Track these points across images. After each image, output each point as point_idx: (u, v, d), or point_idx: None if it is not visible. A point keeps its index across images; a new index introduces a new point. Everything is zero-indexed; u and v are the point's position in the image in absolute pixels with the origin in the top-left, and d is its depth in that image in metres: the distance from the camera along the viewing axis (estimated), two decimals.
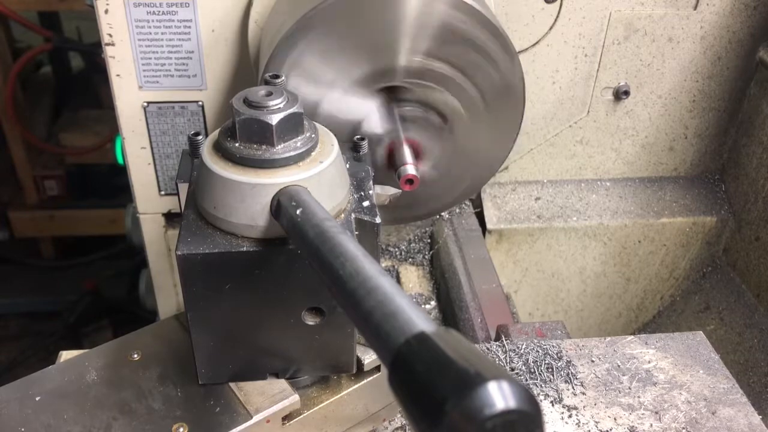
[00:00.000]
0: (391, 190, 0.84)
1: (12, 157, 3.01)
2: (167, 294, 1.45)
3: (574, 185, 1.50)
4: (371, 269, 0.49)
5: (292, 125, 0.65)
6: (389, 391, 0.41)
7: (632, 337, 0.98)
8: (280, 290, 0.67)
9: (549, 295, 1.56)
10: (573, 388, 0.90)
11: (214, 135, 0.68)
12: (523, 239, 1.46)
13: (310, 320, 0.70)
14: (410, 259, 1.42)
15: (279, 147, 0.64)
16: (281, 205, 0.61)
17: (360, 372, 0.77)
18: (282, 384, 0.73)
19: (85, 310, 2.96)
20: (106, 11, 1.11)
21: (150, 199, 1.33)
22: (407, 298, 0.46)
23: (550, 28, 1.29)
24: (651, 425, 0.85)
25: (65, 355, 0.85)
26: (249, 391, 0.72)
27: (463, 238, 1.35)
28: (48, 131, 3.17)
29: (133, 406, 0.70)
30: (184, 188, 0.73)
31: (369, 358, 0.76)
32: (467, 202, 1.46)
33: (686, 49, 1.36)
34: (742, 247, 1.47)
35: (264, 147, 0.64)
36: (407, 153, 0.99)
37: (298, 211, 0.58)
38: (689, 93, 1.42)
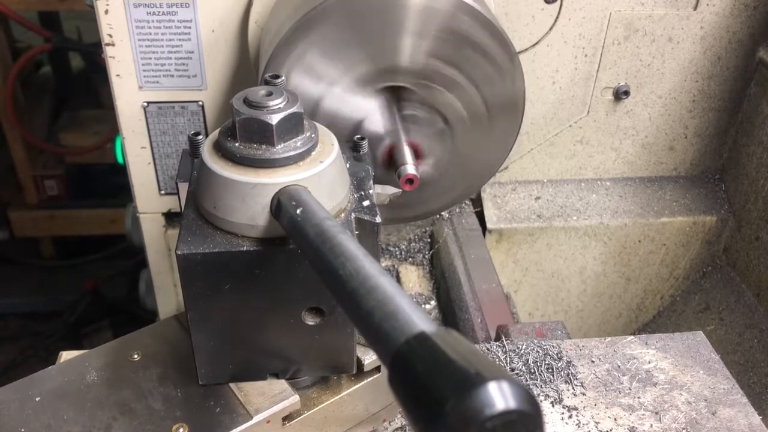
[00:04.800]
0: (391, 190, 0.84)
1: (12, 157, 3.01)
2: (167, 294, 1.45)
3: (574, 185, 1.50)
4: (371, 269, 0.49)
5: (292, 125, 0.65)
6: (389, 391, 0.41)
7: (632, 337, 0.98)
8: (280, 290, 0.67)
9: (549, 295, 1.56)
10: (573, 388, 0.90)
11: (214, 135, 0.68)
12: (523, 239, 1.46)
13: (310, 320, 0.70)
14: (410, 259, 1.42)
15: (279, 147, 0.64)
16: (281, 205, 0.61)
17: (360, 372, 0.77)
18: (282, 384, 0.73)
19: (85, 310, 2.96)
20: (106, 11, 1.11)
21: (150, 199, 1.33)
22: (407, 297, 0.46)
23: (550, 28, 1.29)
24: (651, 425, 0.85)
25: (65, 355, 0.85)
26: (249, 391, 0.72)
27: (463, 237, 1.35)
28: (48, 131, 3.17)
29: (133, 406, 0.70)
30: (184, 188, 0.73)
31: (369, 358, 0.76)
32: (467, 202, 1.46)
33: (686, 49, 1.36)
34: (742, 247, 1.47)
35: (264, 147, 0.64)
36: (407, 153, 0.99)
37: (298, 211, 0.58)
38: (689, 93, 1.42)
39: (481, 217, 1.44)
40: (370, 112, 1.00)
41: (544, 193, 1.49)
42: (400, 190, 0.92)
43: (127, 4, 1.11)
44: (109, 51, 1.15)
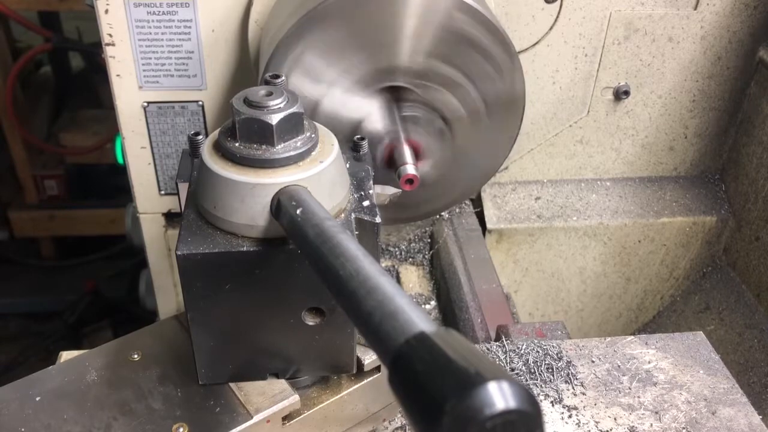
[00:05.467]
0: (391, 190, 0.84)
1: (12, 157, 3.01)
2: (167, 294, 1.45)
3: (574, 185, 1.50)
4: (371, 269, 0.49)
5: (292, 125, 0.65)
6: (389, 391, 0.41)
7: (632, 337, 0.98)
8: (280, 290, 0.67)
9: (549, 295, 1.56)
10: (573, 388, 0.90)
11: (214, 135, 0.68)
12: (523, 239, 1.46)
13: (310, 320, 0.70)
14: (410, 259, 1.42)
15: (279, 147, 0.64)
16: (281, 205, 0.61)
17: (360, 372, 0.77)
18: (282, 384, 0.73)
19: (85, 310, 2.96)
20: (106, 11, 1.11)
21: (150, 199, 1.33)
22: (407, 298, 0.46)
23: (550, 28, 1.29)
24: (651, 425, 0.85)
25: (65, 355, 0.85)
26: (249, 391, 0.72)
27: (463, 238, 1.35)
28: (48, 131, 3.16)
29: (133, 406, 0.70)
30: (184, 188, 0.73)
31: (369, 358, 0.76)
32: (467, 202, 1.46)
33: (686, 49, 1.36)
34: (742, 247, 1.47)
35: (264, 147, 0.64)
36: (407, 153, 0.99)
37: (298, 211, 0.58)
38: (689, 93, 1.42)
39: (481, 217, 1.44)
40: (371, 112, 1.00)
41: (544, 194, 1.49)
42: (400, 190, 0.92)
43: (127, 4, 1.11)
44: (109, 51, 1.15)
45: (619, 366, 0.93)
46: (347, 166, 0.73)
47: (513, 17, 1.27)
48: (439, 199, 1.14)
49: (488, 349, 0.95)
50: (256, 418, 0.69)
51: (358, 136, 0.79)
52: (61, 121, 3.20)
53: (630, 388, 0.90)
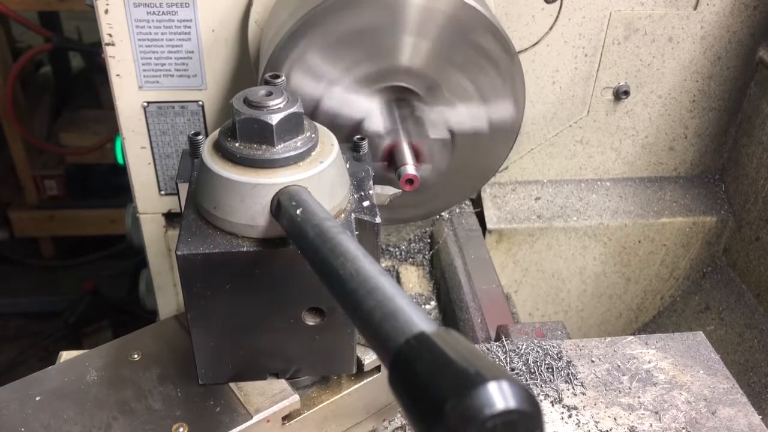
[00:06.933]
0: (391, 190, 0.84)
1: (12, 157, 3.01)
2: (167, 294, 1.46)
3: (574, 185, 1.50)
4: (371, 269, 0.49)
5: (292, 125, 0.65)
6: (389, 391, 0.41)
7: (632, 337, 0.98)
8: (280, 290, 0.67)
9: (549, 295, 1.56)
10: (573, 388, 0.90)
11: (214, 135, 0.68)
12: (523, 239, 1.46)
13: (310, 320, 0.70)
14: (410, 259, 1.42)
15: (279, 147, 0.64)
16: (281, 205, 0.61)
17: (360, 372, 0.77)
18: (282, 384, 0.73)
19: (85, 310, 2.96)
20: (106, 11, 1.11)
21: (150, 199, 1.33)
22: (407, 298, 0.46)
23: (550, 28, 1.29)
24: (651, 425, 0.85)
25: (65, 355, 0.86)
26: (249, 391, 0.72)
27: (463, 238, 1.35)
28: (48, 131, 3.17)
29: (133, 406, 0.70)
30: (184, 188, 0.73)
31: (369, 358, 0.76)
32: (467, 202, 1.46)
33: (686, 49, 1.36)
34: (742, 247, 1.47)
35: (264, 147, 0.64)
36: (407, 153, 0.99)
37: (298, 211, 0.58)
38: (689, 93, 1.42)
39: (481, 217, 1.44)
40: (371, 112, 1.00)
41: (544, 194, 1.49)
42: (400, 190, 0.92)
43: (127, 4, 1.11)
44: (109, 51, 1.15)
45: (619, 366, 0.93)
46: (347, 166, 0.73)
47: (513, 17, 1.27)
48: (439, 198, 1.14)
49: (488, 349, 0.95)
50: (256, 418, 0.69)
51: (358, 136, 0.79)
52: (61, 121, 3.20)
53: (630, 388, 0.90)
